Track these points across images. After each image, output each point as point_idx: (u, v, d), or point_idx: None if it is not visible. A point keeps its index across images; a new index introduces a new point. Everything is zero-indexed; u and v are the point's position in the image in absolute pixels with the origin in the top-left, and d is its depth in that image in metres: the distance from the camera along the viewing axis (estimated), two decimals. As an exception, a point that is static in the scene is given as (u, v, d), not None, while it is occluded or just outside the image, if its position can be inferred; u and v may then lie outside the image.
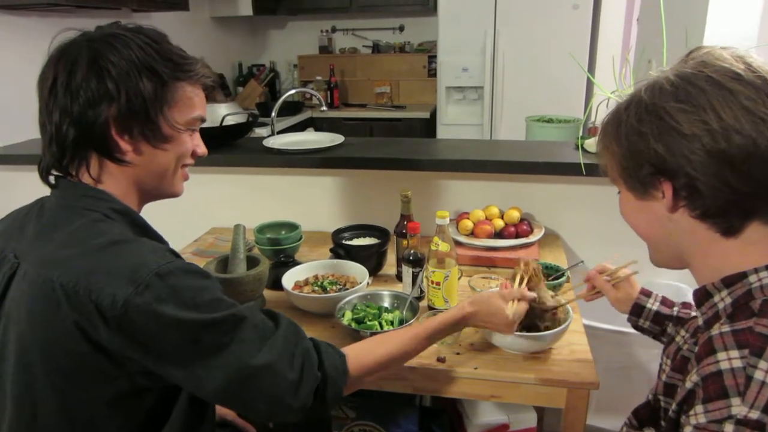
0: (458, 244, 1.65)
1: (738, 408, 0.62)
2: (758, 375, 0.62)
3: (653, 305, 1.11)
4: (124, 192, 0.92)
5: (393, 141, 2.27)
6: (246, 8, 4.01)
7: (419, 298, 1.41)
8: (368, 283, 1.47)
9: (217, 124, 1.90)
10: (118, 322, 0.76)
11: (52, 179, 0.92)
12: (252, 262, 1.41)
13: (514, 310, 1.09)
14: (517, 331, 1.14)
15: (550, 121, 2.93)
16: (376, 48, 4.68)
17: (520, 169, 1.78)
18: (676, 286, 1.73)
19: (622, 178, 0.80)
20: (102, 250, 0.81)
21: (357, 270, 1.50)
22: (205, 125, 1.00)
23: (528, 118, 3.00)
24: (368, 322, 1.28)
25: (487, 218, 1.75)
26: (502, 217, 1.75)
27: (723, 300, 0.74)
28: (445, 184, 1.89)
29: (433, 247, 1.35)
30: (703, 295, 0.77)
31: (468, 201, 1.85)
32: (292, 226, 1.72)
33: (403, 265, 1.41)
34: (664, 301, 1.12)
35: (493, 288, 1.33)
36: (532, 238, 1.69)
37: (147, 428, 0.87)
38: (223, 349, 0.81)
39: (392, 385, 1.22)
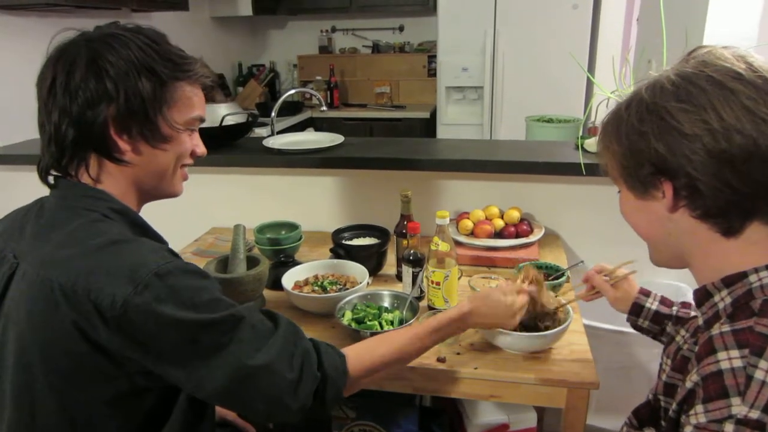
0: (458, 244, 1.65)
1: (738, 408, 0.62)
2: (758, 375, 0.62)
3: (652, 305, 1.11)
4: (123, 192, 0.91)
5: (393, 141, 2.27)
6: (246, 8, 4.01)
7: (419, 298, 1.41)
8: (368, 283, 1.47)
9: (217, 124, 1.90)
10: (117, 322, 0.76)
11: (51, 179, 0.92)
12: (252, 262, 1.41)
13: (515, 300, 1.09)
14: (517, 331, 1.14)
15: (550, 121, 2.93)
16: (376, 48, 4.67)
17: (520, 169, 1.78)
18: (676, 286, 1.73)
19: (622, 178, 0.80)
20: (101, 250, 0.80)
21: (357, 270, 1.50)
22: (204, 125, 1.00)
23: (528, 118, 3.00)
24: (368, 322, 1.28)
25: (487, 218, 1.75)
26: (502, 217, 1.75)
27: (723, 300, 0.74)
28: (445, 184, 1.89)
29: (433, 247, 1.35)
30: (703, 295, 0.77)
31: (468, 201, 1.85)
32: (292, 226, 1.72)
33: (403, 265, 1.41)
34: (663, 301, 1.12)
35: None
36: (532, 238, 1.69)
37: (147, 428, 0.87)
38: (221, 350, 0.81)
39: (392, 385, 1.22)
